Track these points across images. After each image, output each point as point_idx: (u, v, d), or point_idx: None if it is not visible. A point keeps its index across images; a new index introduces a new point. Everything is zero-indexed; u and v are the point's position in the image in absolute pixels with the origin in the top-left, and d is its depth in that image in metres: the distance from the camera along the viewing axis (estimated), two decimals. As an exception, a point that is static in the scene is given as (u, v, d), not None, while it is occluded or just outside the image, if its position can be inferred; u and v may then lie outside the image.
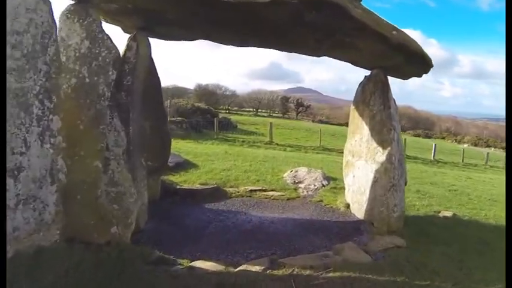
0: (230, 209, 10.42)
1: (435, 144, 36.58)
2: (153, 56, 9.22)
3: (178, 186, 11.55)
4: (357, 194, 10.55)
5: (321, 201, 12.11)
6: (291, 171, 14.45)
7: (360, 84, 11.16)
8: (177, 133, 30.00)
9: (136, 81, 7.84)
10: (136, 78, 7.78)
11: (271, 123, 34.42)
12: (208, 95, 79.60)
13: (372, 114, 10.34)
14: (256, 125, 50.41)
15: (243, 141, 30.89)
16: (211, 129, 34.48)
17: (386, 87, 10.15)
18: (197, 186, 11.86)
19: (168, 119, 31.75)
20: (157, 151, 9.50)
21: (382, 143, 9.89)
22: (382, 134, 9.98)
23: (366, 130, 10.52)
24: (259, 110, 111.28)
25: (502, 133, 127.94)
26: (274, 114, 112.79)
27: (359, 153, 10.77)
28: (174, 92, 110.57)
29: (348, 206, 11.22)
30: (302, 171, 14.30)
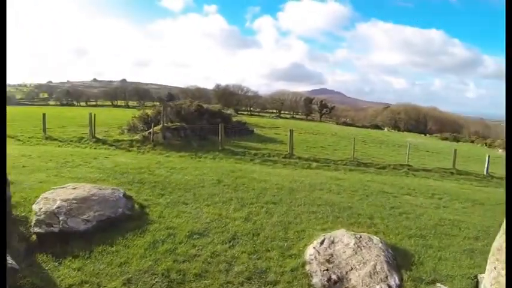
0: None
1: (489, 156, 28.80)
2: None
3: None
4: None
5: None
6: (321, 241, 7.36)
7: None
8: (172, 144, 23.66)
9: None
10: None
11: (291, 132, 27.03)
12: (228, 95, 73.25)
13: None
14: (276, 129, 43.75)
15: (254, 155, 23.91)
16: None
17: None
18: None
19: (163, 125, 25.31)
20: None
21: None
22: None
23: None
24: (282, 112, 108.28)
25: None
26: (297, 116, 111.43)
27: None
28: (195, 93, 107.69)
29: None
30: (342, 242, 7.26)
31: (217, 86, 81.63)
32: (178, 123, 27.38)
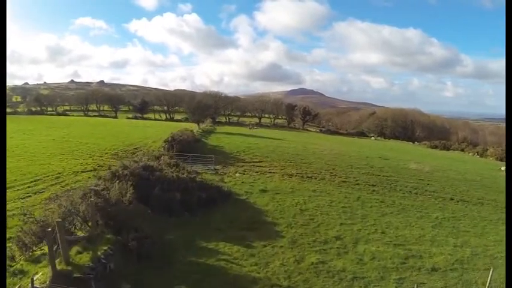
0: None
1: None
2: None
3: None
4: None
5: None
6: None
7: None
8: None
9: None
10: None
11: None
12: (203, 108, 65.47)
13: None
14: (256, 156, 36.14)
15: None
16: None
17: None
18: None
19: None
20: None
21: None
22: None
23: None
24: (263, 116, 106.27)
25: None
26: (279, 121, 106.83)
27: None
28: (170, 99, 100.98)
29: None
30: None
31: (192, 98, 73.49)
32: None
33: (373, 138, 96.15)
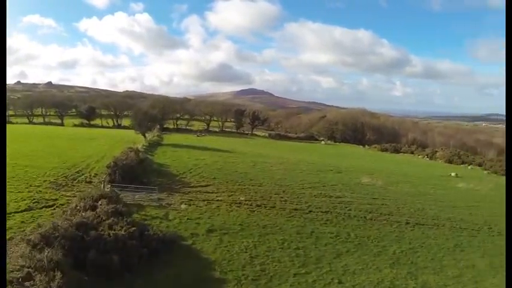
0: None
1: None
2: None
3: None
4: None
5: None
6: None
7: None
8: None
9: None
10: None
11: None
12: (149, 119, 62.21)
13: None
14: (203, 178, 33.76)
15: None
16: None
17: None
18: None
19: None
20: None
21: None
22: None
23: None
24: (212, 119, 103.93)
25: (469, 141, 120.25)
26: (227, 125, 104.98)
27: None
28: (116, 106, 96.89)
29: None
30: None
31: (138, 110, 69.83)
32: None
33: (323, 142, 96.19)
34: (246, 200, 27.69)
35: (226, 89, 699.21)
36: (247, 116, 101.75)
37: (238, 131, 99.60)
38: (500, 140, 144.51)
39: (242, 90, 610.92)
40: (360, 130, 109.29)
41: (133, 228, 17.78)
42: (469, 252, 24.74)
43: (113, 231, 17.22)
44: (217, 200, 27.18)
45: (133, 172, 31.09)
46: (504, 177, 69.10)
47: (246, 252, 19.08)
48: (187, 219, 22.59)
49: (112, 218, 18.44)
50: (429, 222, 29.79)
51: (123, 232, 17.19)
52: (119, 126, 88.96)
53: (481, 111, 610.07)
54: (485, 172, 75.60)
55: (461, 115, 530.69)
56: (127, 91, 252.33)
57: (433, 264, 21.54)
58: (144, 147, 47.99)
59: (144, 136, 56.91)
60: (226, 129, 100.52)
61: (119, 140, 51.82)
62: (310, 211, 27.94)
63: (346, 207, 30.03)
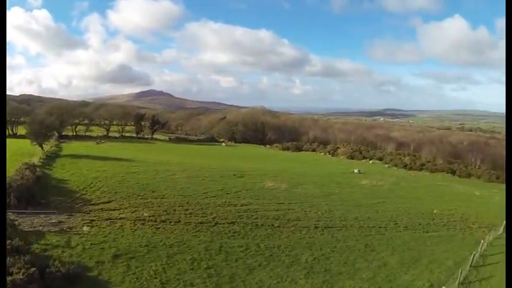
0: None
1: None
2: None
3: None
4: None
5: None
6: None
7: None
8: None
9: None
10: None
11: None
12: (44, 128, 58.26)
13: None
14: (104, 193, 33.03)
15: None
16: None
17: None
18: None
19: None
20: None
21: None
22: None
23: None
24: (112, 124, 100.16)
25: (369, 136, 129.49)
26: (127, 130, 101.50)
27: None
28: (9, 112, 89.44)
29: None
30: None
31: (33, 121, 64.90)
32: None
33: (224, 144, 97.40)
34: (150, 216, 27.34)
35: (125, 90, 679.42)
36: (146, 120, 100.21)
37: (139, 135, 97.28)
38: (398, 133, 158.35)
39: (142, 91, 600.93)
40: (260, 130, 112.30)
41: (33, 268, 15.88)
42: (380, 251, 25.64)
43: (10, 277, 15.04)
44: (121, 218, 26.55)
45: (30, 193, 29.13)
46: (404, 170, 76.56)
47: (155, 277, 18.42)
48: (91, 244, 21.46)
49: (8, 259, 16.10)
50: (337, 224, 30.72)
51: (21, 276, 15.29)
52: (15, 136, 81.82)
53: (379, 106, 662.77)
54: (386, 166, 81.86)
55: (360, 110, 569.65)
56: (24, 94, 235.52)
57: (346, 268, 22.17)
58: (42, 160, 45.29)
59: (42, 147, 53.16)
60: (126, 135, 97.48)
61: (14, 153, 47.77)
62: (217, 223, 27.73)
63: (253, 216, 30.21)
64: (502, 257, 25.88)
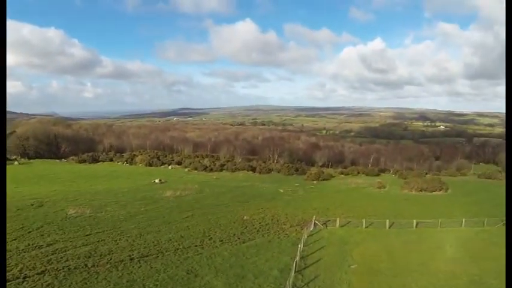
0: None
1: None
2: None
3: None
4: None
5: None
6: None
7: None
8: None
9: None
10: None
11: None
12: None
13: None
14: None
15: None
16: None
17: None
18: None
19: None
20: None
21: None
22: None
23: None
24: None
25: (164, 139, 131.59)
26: None
27: None
28: None
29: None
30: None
31: None
32: None
33: (16, 162, 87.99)
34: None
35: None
36: None
37: None
38: (193, 134, 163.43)
39: None
40: (53, 143, 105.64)
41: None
42: (203, 275, 24.76)
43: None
44: None
45: None
46: (204, 173, 77.96)
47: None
48: None
49: None
50: (152, 251, 28.91)
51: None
52: None
53: (171, 106, 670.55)
54: (186, 170, 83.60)
55: (153, 112, 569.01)
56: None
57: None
58: None
59: None
60: None
61: None
62: (25, 277, 23.26)
63: (63, 258, 26.65)
64: (320, 255, 28.76)
